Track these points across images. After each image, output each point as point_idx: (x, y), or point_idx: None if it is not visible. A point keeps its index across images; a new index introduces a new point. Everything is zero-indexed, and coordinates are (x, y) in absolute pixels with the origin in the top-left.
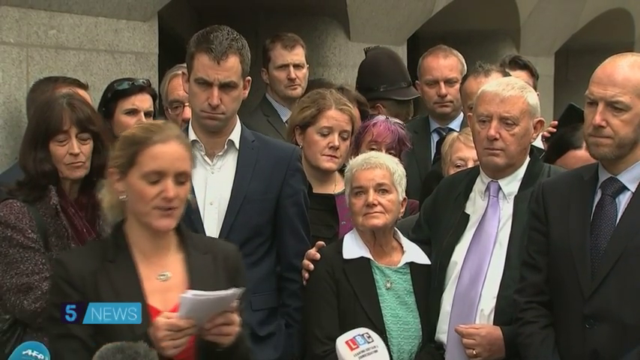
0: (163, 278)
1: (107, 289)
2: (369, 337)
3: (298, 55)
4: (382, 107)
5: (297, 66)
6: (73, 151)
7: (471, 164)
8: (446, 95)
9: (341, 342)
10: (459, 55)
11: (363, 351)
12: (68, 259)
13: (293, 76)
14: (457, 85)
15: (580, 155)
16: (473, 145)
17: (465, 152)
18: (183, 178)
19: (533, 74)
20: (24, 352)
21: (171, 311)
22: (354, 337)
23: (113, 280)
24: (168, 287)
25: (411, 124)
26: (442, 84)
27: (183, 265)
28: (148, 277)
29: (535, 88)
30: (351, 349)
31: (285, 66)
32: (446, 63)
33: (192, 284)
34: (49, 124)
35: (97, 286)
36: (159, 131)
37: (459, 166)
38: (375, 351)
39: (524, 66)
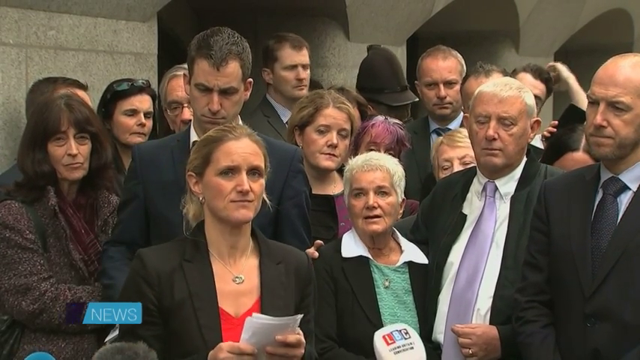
0: (238, 281)
1: (182, 289)
2: (407, 333)
3: (305, 55)
4: (373, 109)
5: (304, 66)
6: (71, 152)
7: (456, 164)
8: (445, 97)
9: (378, 336)
10: (459, 55)
11: (399, 347)
12: (147, 255)
13: (302, 76)
14: (456, 87)
15: (578, 157)
16: (456, 145)
17: (449, 153)
18: (257, 173)
19: (549, 90)
20: None
21: (242, 317)
22: (391, 333)
23: (189, 280)
24: (241, 292)
25: (410, 124)
26: (441, 86)
27: (257, 271)
28: (223, 278)
29: (543, 103)
30: (388, 344)
31: (294, 66)
32: (445, 65)
33: (264, 293)
34: (47, 125)
35: (172, 285)
36: (232, 130)
37: (446, 169)
38: (412, 347)
39: (546, 80)
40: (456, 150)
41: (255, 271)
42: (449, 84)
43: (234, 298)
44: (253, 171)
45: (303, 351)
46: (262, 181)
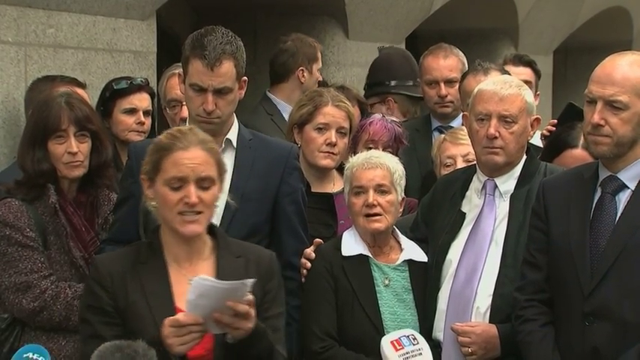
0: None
1: (136, 290)
2: (415, 338)
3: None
4: (392, 102)
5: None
6: (71, 150)
7: (459, 161)
8: (446, 96)
9: (386, 341)
10: (460, 53)
11: (407, 352)
12: (102, 260)
13: (321, 78)
14: (457, 85)
15: (577, 154)
16: (459, 142)
17: (452, 150)
18: (207, 183)
19: (536, 72)
20: (25, 355)
21: None
22: (399, 338)
23: (143, 281)
24: None
25: (412, 122)
26: (442, 84)
27: (214, 269)
28: (179, 280)
29: (537, 87)
30: (396, 349)
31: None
32: (446, 63)
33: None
34: (47, 123)
35: (126, 286)
36: (182, 137)
37: (448, 165)
38: (420, 354)
39: (527, 63)
40: (459, 147)
41: (212, 269)
42: (450, 82)
43: None
44: (202, 181)
45: (250, 325)
46: (214, 190)
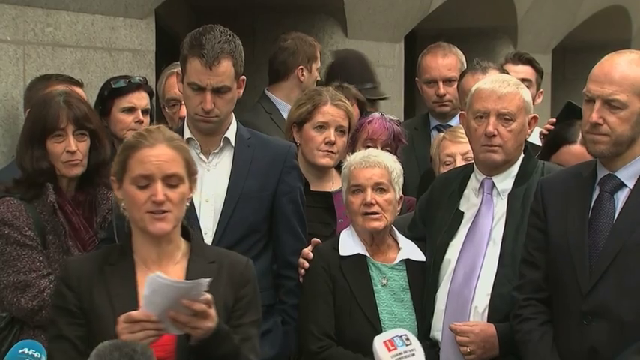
0: None
1: (102, 291)
2: (407, 339)
3: None
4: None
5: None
6: (70, 149)
7: (459, 160)
8: (444, 95)
9: (379, 341)
10: (459, 52)
11: (400, 353)
12: (72, 261)
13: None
14: (456, 84)
15: (574, 150)
16: (459, 141)
17: (451, 149)
18: (174, 181)
19: (537, 70)
20: (20, 351)
21: None
22: (392, 338)
23: (109, 283)
24: None
25: (411, 121)
26: (440, 83)
27: (183, 273)
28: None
29: (539, 84)
30: (389, 349)
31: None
32: (444, 62)
33: None
34: (45, 122)
35: (92, 287)
36: (148, 136)
37: (448, 164)
38: (413, 354)
39: (528, 61)
40: (459, 146)
41: (182, 274)
42: (448, 81)
43: None
44: (170, 179)
45: (210, 324)
46: (182, 188)
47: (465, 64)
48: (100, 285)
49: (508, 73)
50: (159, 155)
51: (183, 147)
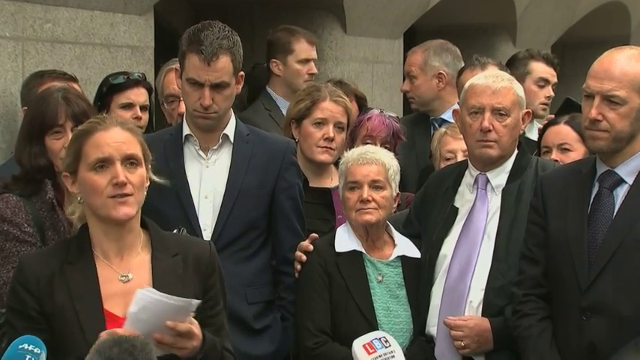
0: (124, 280)
1: (63, 293)
2: (387, 341)
3: (316, 51)
4: None
5: (315, 61)
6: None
7: (460, 156)
8: (407, 91)
9: (358, 345)
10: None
11: (380, 356)
12: (27, 261)
13: (314, 70)
14: (416, 81)
15: (558, 129)
16: (460, 137)
17: (453, 145)
18: (133, 162)
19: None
20: (20, 346)
21: None
22: (371, 341)
23: (70, 283)
24: (128, 290)
25: (412, 116)
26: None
27: (148, 266)
28: (109, 279)
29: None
30: (369, 353)
31: (309, 60)
32: (408, 59)
33: (156, 288)
34: (44, 119)
35: (52, 289)
36: (100, 121)
37: (449, 159)
38: (392, 356)
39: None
40: (460, 142)
41: (146, 267)
42: (409, 77)
43: (122, 297)
44: (129, 161)
45: (195, 343)
46: (141, 171)
47: (432, 63)
48: (61, 286)
49: (507, 71)
50: (115, 137)
51: (137, 130)
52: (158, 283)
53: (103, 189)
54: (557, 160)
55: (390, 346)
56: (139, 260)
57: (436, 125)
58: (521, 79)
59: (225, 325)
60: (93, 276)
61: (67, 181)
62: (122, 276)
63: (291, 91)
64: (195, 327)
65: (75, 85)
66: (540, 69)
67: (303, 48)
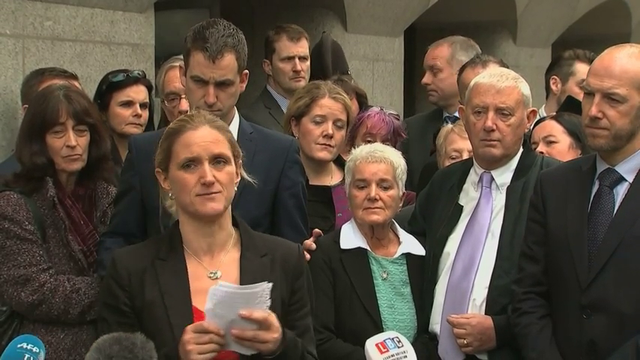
0: (213, 276)
1: (153, 288)
2: (399, 341)
3: (303, 47)
4: None
5: (301, 58)
6: (69, 144)
7: (465, 155)
8: (428, 84)
9: (371, 344)
10: (456, 45)
11: (392, 355)
12: (120, 256)
13: (299, 68)
14: (441, 74)
15: (544, 125)
16: (467, 136)
17: (459, 144)
18: (221, 161)
19: None
20: (19, 345)
21: None
22: (384, 341)
23: (161, 279)
24: None
25: (427, 113)
26: (427, 72)
27: (237, 265)
28: (198, 276)
29: None
30: (381, 352)
31: (291, 58)
32: (432, 52)
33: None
34: (45, 116)
35: (143, 284)
36: (190, 119)
37: (454, 158)
38: (405, 356)
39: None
40: (466, 141)
41: (235, 265)
42: (433, 70)
43: None
44: (217, 159)
45: (276, 335)
46: (229, 168)
47: (460, 57)
48: (151, 282)
49: (508, 67)
50: (204, 136)
51: (226, 128)
52: (245, 283)
53: (192, 187)
54: (542, 153)
55: (402, 346)
56: (229, 258)
57: (449, 122)
58: (564, 79)
59: (310, 329)
60: (183, 272)
61: (160, 177)
62: (211, 273)
63: (283, 90)
64: (273, 317)
65: (75, 83)
66: (584, 70)
67: (283, 46)
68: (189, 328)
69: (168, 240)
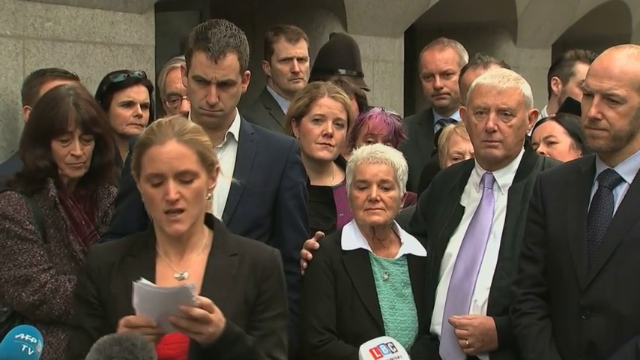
0: (178, 277)
1: (120, 283)
2: (393, 346)
3: (302, 48)
4: None
5: (300, 59)
6: (75, 153)
7: (468, 157)
8: (441, 88)
9: (365, 349)
10: (458, 47)
11: None
12: (96, 250)
13: (297, 69)
14: (454, 77)
15: (543, 126)
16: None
17: (462, 145)
18: (186, 177)
19: None
20: (17, 336)
21: None
22: (378, 346)
23: (128, 274)
24: None
25: (415, 116)
26: (437, 77)
27: (204, 265)
28: (165, 276)
29: None
30: (375, 357)
31: (289, 59)
32: (441, 56)
33: (206, 283)
34: (52, 123)
35: (110, 278)
36: (158, 132)
37: (456, 159)
38: None
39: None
40: (469, 143)
41: (202, 265)
42: (445, 75)
43: None
44: (183, 176)
45: (211, 329)
46: (197, 184)
47: (466, 59)
48: (118, 276)
49: (509, 68)
50: (169, 152)
51: (196, 139)
52: (209, 281)
53: (158, 203)
54: (543, 153)
55: (396, 351)
56: (198, 259)
57: (444, 125)
58: (565, 79)
59: (278, 332)
60: (150, 271)
61: (136, 179)
62: (177, 273)
63: (282, 91)
64: (216, 315)
65: (78, 84)
66: (585, 71)
67: (281, 47)
68: (121, 323)
69: (143, 238)
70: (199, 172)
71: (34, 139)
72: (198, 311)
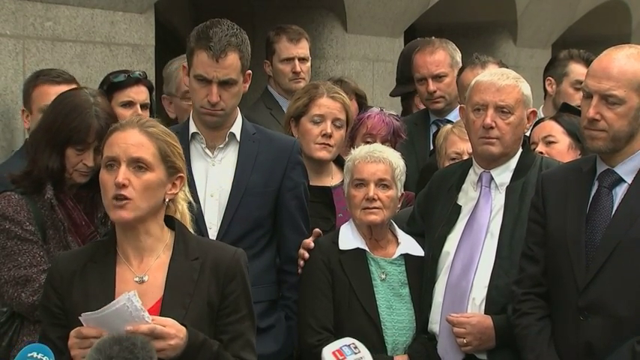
0: (138, 281)
1: (80, 291)
2: (356, 347)
3: (303, 48)
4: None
5: (301, 59)
6: (88, 164)
7: (465, 157)
8: (435, 91)
9: (327, 352)
10: (449, 47)
11: None
12: (59, 257)
13: (298, 69)
14: (446, 79)
15: (542, 125)
16: (467, 137)
17: (459, 145)
18: (140, 166)
19: None
20: (29, 355)
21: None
22: (340, 348)
23: (88, 281)
24: (142, 292)
25: (411, 116)
26: (430, 81)
27: (165, 269)
28: (125, 280)
29: None
30: (338, 359)
31: (291, 59)
32: (432, 59)
33: (167, 291)
34: (73, 132)
35: (72, 287)
36: (123, 122)
37: (454, 159)
38: None
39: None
40: (467, 143)
41: (162, 270)
42: (437, 78)
43: None
44: (137, 164)
45: (172, 342)
46: (150, 176)
47: (457, 58)
48: (79, 284)
49: (507, 68)
50: (126, 137)
51: (160, 136)
52: (170, 286)
53: (109, 188)
54: (541, 153)
55: (359, 352)
56: (158, 263)
57: (440, 125)
58: (559, 80)
59: (245, 334)
60: (110, 276)
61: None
62: (137, 277)
63: (283, 91)
64: (172, 328)
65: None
66: (578, 70)
67: (283, 47)
68: (72, 333)
69: (105, 243)
70: (154, 165)
71: (50, 144)
72: (148, 327)
